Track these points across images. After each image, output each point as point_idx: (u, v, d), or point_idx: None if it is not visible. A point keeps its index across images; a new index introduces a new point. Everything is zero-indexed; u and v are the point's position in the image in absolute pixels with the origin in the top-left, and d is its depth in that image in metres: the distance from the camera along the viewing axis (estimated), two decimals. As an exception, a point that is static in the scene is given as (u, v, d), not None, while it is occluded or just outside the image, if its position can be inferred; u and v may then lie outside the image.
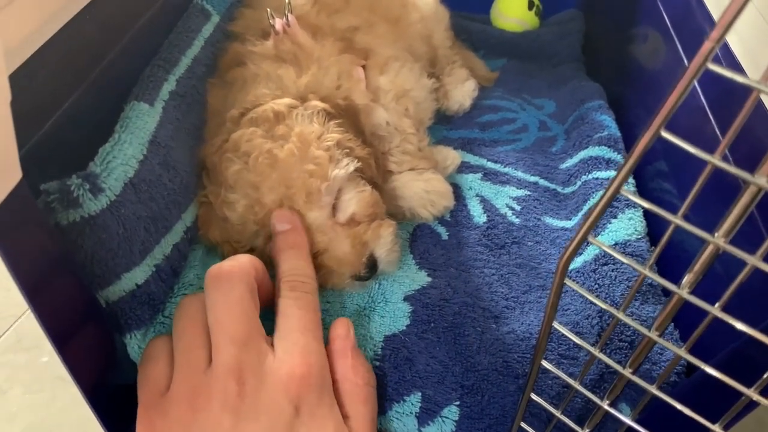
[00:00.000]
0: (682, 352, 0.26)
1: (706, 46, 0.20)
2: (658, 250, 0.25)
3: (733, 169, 0.21)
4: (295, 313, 0.34)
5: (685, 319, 0.45)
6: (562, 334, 0.45)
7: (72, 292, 0.36)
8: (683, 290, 0.25)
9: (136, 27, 0.50)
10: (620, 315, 0.28)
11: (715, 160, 0.21)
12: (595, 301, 0.28)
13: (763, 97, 0.22)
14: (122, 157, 0.40)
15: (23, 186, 0.31)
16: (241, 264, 0.35)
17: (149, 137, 0.44)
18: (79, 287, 0.37)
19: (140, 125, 0.44)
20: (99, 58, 0.44)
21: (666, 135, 0.22)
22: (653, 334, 0.27)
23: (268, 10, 0.52)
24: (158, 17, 0.54)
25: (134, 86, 0.47)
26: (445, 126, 0.71)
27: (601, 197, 0.25)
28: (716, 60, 0.21)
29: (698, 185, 0.22)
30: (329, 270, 0.45)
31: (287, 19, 0.53)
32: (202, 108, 0.53)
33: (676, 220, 0.23)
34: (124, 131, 0.42)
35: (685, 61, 0.54)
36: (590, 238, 0.27)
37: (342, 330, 0.38)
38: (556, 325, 0.31)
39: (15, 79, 0.32)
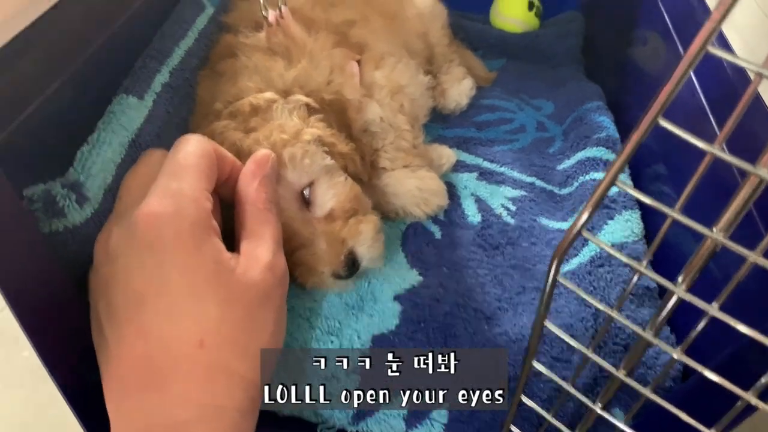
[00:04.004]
0: (677, 353, 0.25)
1: (707, 27, 0.19)
2: (654, 243, 0.24)
3: (733, 160, 0.20)
4: (169, 157, 0.35)
5: (682, 324, 0.44)
6: (556, 337, 0.44)
7: (48, 283, 0.35)
8: (680, 288, 0.24)
9: (125, 16, 0.48)
10: (614, 314, 0.27)
11: (714, 150, 0.20)
12: (589, 299, 0.27)
13: (761, 89, 0.21)
14: (101, 162, 0.38)
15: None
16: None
17: (131, 137, 0.42)
18: (56, 279, 0.36)
19: (124, 122, 0.42)
20: (83, 47, 0.43)
21: (664, 123, 0.21)
22: (648, 334, 0.26)
23: (261, 1, 0.51)
24: (149, 7, 0.52)
25: (120, 78, 0.46)
26: (440, 124, 0.70)
27: (597, 187, 0.24)
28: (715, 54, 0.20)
29: (696, 176, 0.21)
30: (307, 267, 0.44)
31: (281, 11, 0.52)
32: (194, 101, 0.52)
33: (673, 213, 0.22)
34: (105, 129, 0.40)
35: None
36: (584, 232, 0.26)
37: (259, 157, 0.39)
38: (548, 324, 0.30)
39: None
